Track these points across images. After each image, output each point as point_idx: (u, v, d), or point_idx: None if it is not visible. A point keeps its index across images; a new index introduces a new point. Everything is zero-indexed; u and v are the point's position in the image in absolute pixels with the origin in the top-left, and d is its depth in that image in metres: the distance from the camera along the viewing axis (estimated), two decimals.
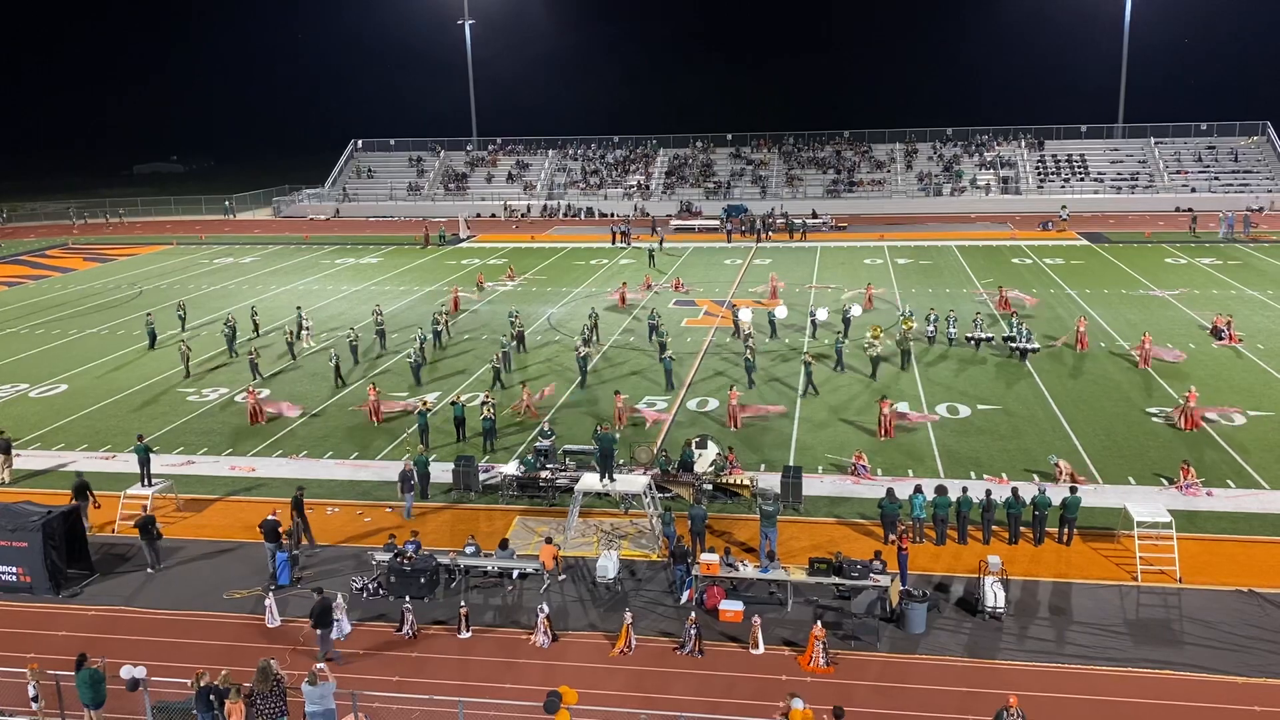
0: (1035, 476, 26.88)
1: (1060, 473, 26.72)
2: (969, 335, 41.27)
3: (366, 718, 16.75)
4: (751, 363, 36.30)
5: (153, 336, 42.87)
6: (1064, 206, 75.97)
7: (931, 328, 42.35)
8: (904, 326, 41.26)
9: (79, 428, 33.53)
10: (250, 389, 34.63)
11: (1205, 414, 31.13)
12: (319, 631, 19.37)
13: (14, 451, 29.85)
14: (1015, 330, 40.14)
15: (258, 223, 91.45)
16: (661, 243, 68.41)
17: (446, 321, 43.92)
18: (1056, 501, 23.58)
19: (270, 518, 23.01)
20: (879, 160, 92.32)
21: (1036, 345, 39.27)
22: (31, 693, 17.12)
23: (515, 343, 40.78)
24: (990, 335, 41.25)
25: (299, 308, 46.93)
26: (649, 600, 21.43)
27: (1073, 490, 23.79)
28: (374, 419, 33.13)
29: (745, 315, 42.74)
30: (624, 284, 52.01)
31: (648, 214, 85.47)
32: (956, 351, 40.45)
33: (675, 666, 18.99)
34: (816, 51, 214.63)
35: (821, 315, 43.53)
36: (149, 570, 23.26)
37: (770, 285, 51.28)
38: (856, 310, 43.51)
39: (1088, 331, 40.76)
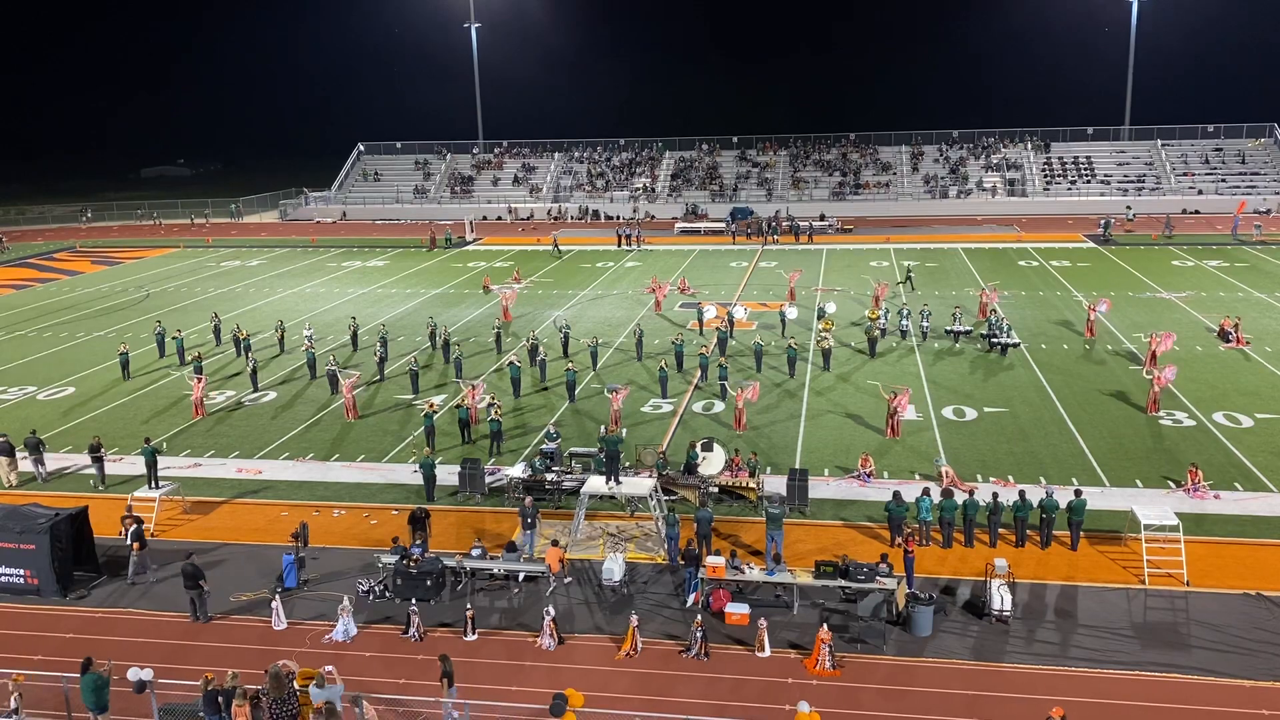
0: (1042, 479, 26.85)
1: (944, 479, 26.60)
2: (948, 329, 42.31)
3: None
4: (705, 360, 37.70)
5: (160, 343, 42.88)
6: (1129, 207, 75.84)
7: (905, 322, 43.26)
8: (870, 316, 43.19)
9: (86, 430, 33.60)
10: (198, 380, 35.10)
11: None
12: (190, 592, 20.83)
13: (19, 454, 29.97)
14: (995, 325, 40.84)
15: (264, 226, 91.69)
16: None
17: (499, 332, 43.62)
18: (1063, 504, 23.53)
19: (138, 524, 23.23)
20: (885, 163, 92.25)
21: (1017, 340, 40.52)
22: (12, 705, 16.92)
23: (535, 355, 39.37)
24: (969, 328, 42.43)
25: (352, 318, 46.53)
26: (655, 603, 21.42)
27: (1077, 494, 23.73)
28: (349, 414, 33.72)
29: (710, 313, 45.39)
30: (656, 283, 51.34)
31: (652, 216, 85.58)
32: (929, 345, 41.50)
33: (681, 669, 18.99)
34: (822, 54, 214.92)
35: (791, 314, 44.79)
36: (135, 579, 23.08)
37: (789, 285, 51.50)
38: (831, 308, 45.84)
39: (1097, 321, 42.43)
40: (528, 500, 24.24)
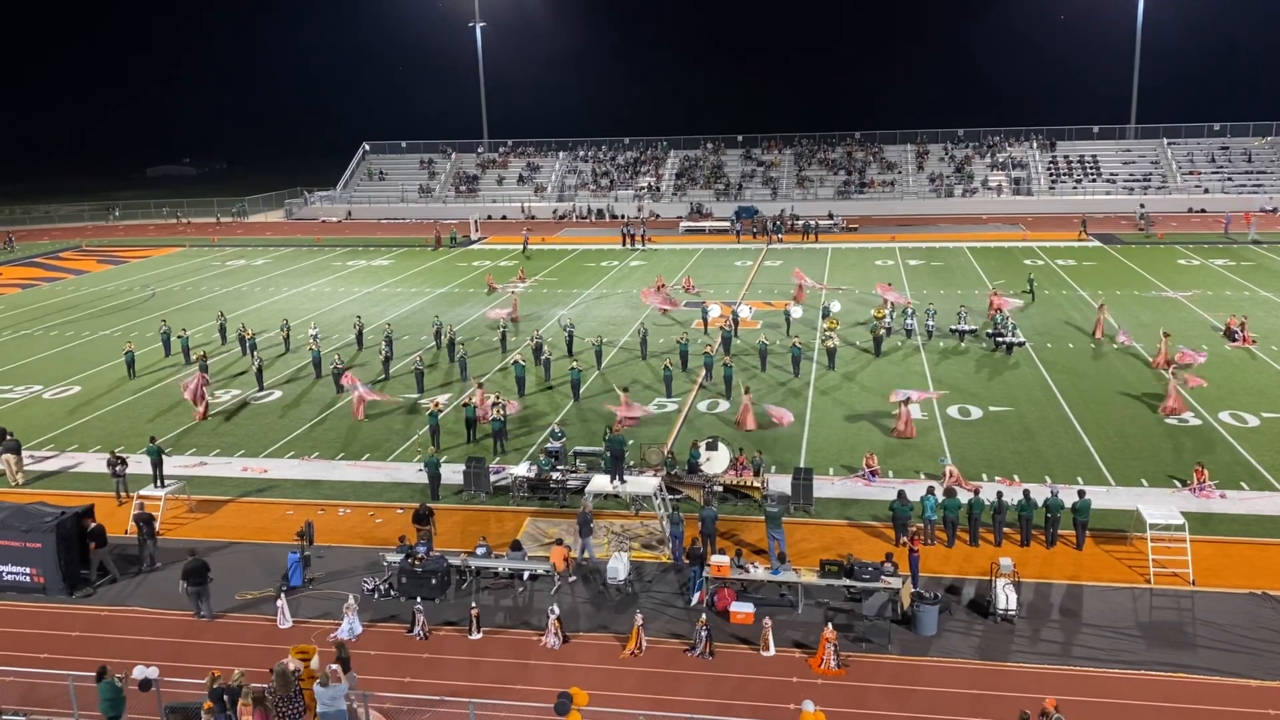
0: (1048, 478, 26.79)
1: (947, 478, 26.51)
2: (953, 328, 42.32)
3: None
4: (709, 359, 37.57)
5: (166, 342, 42.92)
6: (1142, 205, 75.90)
7: (910, 320, 43.15)
8: (876, 315, 43.13)
9: (92, 429, 33.70)
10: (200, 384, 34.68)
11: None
12: (192, 589, 20.85)
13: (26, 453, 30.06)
14: (1000, 324, 40.99)
15: (269, 225, 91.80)
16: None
17: (504, 331, 43.54)
18: (1069, 503, 23.49)
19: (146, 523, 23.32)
20: (890, 161, 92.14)
21: (1023, 339, 40.44)
22: None
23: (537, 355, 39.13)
24: (974, 327, 42.37)
25: (358, 317, 46.21)
26: (660, 602, 21.42)
27: (1080, 495, 23.64)
28: (357, 414, 33.60)
29: (714, 312, 45.12)
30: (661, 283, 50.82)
31: (657, 215, 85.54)
32: (935, 343, 41.48)
33: (686, 668, 18.99)
34: (827, 52, 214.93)
35: (796, 313, 44.85)
36: (144, 568, 23.37)
37: (797, 284, 51.37)
38: (836, 306, 45.76)
39: (1103, 322, 42.19)
40: (588, 505, 23.84)
